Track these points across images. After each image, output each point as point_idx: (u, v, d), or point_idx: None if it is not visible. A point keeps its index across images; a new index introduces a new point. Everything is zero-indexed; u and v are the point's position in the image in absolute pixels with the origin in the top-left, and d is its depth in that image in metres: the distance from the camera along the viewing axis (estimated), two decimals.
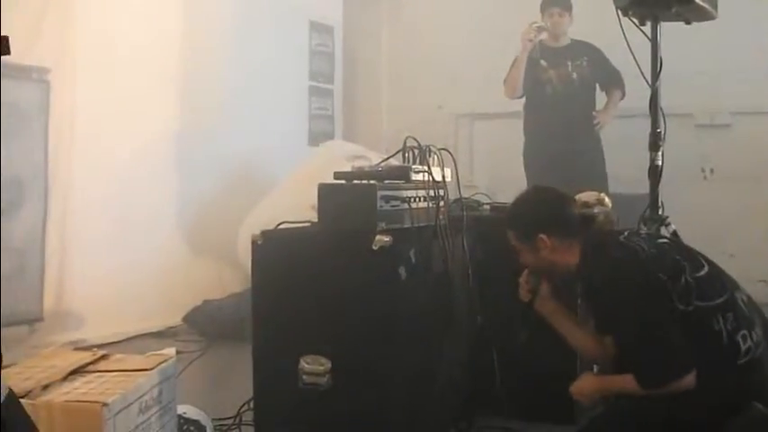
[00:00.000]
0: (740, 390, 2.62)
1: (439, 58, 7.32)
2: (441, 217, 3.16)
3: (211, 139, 5.88)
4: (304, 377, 3.00)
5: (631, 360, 2.69)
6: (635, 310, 2.66)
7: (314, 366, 2.98)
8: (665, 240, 2.97)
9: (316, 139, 6.97)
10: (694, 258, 2.78)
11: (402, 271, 2.90)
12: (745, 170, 6.45)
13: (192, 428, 3.04)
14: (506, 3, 7.04)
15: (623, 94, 6.10)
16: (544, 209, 2.96)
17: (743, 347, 2.62)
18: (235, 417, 3.33)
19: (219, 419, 3.33)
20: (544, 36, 6.09)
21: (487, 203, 3.86)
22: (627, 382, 2.68)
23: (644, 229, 3.42)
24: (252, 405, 3.21)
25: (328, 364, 2.96)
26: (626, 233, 2.87)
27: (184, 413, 3.02)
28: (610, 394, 2.81)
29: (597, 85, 6.17)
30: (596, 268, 2.79)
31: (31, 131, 4.78)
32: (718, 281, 2.74)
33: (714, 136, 6.50)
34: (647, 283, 2.67)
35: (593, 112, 6.11)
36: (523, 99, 6.24)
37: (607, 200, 3.71)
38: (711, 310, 2.65)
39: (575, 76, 6.07)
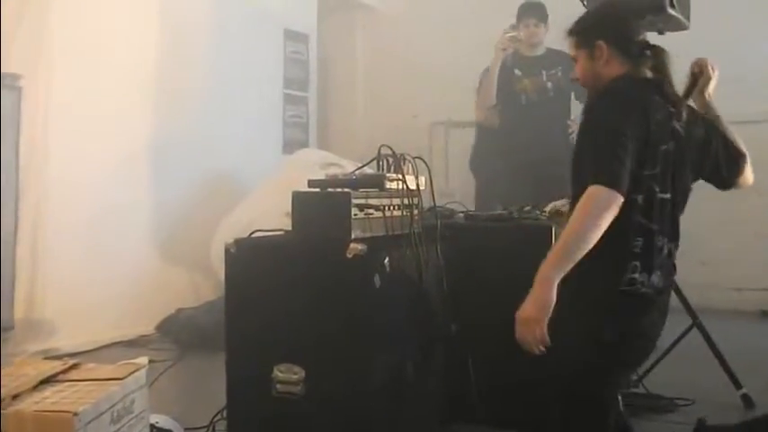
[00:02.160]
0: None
1: (414, 66, 7.34)
2: (415, 225, 3.16)
3: (185, 146, 5.85)
4: (277, 386, 2.99)
5: (589, 158, 2.67)
6: (614, 116, 2.66)
7: (287, 375, 2.97)
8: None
9: (290, 146, 6.96)
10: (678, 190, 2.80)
11: (376, 279, 2.89)
12: None
13: None
14: (482, 11, 7.07)
15: None
16: (612, 17, 2.97)
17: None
18: (208, 426, 3.32)
19: (192, 429, 3.31)
20: (518, 45, 6.11)
21: (462, 212, 3.86)
22: (555, 250, 2.61)
23: None
24: (225, 414, 3.20)
25: (302, 373, 2.95)
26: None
27: (157, 423, 3.01)
28: (548, 296, 2.60)
29: (573, 95, 6.20)
30: (621, 86, 2.80)
31: (4, 139, 4.74)
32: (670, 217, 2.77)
33: None
34: (641, 108, 2.69)
35: (568, 122, 6.12)
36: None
37: None
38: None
39: (549, 85, 6.08)
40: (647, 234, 2.68)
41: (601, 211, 2.55)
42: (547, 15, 6.08)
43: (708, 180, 3.02)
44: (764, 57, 6.55)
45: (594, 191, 2.56)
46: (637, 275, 2.66)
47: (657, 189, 2.71)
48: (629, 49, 2.87)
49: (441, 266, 3.27)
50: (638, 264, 2.66)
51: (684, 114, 2.84)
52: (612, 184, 2.55)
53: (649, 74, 2.88)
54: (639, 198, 2.66)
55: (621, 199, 2.56)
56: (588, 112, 2.76)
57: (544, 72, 6.07)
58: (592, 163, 2.64)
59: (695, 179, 2.95)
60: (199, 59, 6.06)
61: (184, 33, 5.94)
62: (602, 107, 2.74)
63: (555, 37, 6.11)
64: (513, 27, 5.97)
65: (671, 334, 3.85)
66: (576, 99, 6.19)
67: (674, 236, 2.80)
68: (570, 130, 6.08)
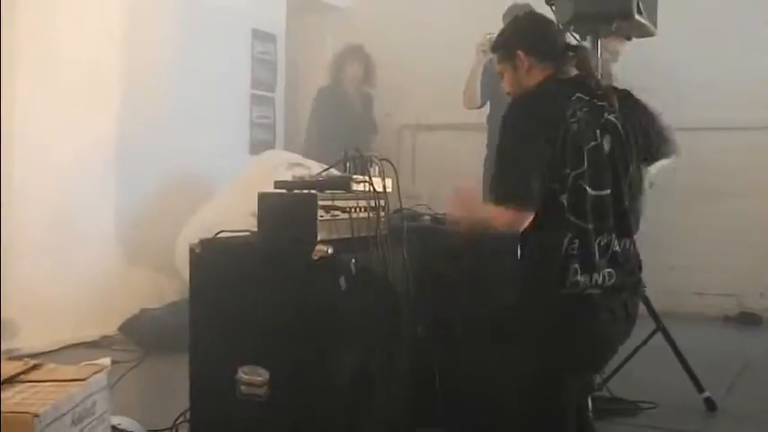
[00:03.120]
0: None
1: (382, 69, 7.33)
2: (381, 227, 3.15)
3: (151, 146, 5.81)
4: (242, 388, 2.97)
5: (494, 170, 2.72)
6: (521, 123, 2.71)
7: (252, 377, 2.95)
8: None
9: (257, 147, 6.93)
10: (617, 185, 2.78)
11: (342, 281, 2.89)
12: (683, 185, 6.56)
13: None
14: (452, 13, 7.09)
15: None
16: (527, 26, 3.00)
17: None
18: (171, 428, 3.29)
19: (155, 431, 3.29)
20: None
21: (428, 214, 3.86)
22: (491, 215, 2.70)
23: None
24: (188, 416, 3.17)
25: (266, 375, 2.94)
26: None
27: (119, 424, 2.99)
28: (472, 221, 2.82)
29: None
30: (528, 92, 2.84)
31: None
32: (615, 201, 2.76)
33: None
34: (554, 109, 2.70)
35: None
36: (476, 111, 6.27)
37: None
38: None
39: None
40: (582, 234, 2.68)
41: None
42: None
43: (657, 158, 3.06)
44: (732, 64, 6.60)
45: (498, 214, 2.64)
46: (579, 278, 2.66)
47: (588, 187, 2.70)
48: (550, 53, 2.90)
49: (407, 268, 3.27)
50: (577, 266, 2.66)
51: (617, 104, 2.84)
52: (516, 202, 2.63)
53: (574, 72, 2.90)
54: (565, 198, 2.66)
55: (529, 215, 2.61)
56: (502, 120, 2.78)
57: None
58: (498, 175, 2.69)
59: (649, 163, 2.96)
60: (165, 58, 6.02)
61: (150, 32, 5.90)
62: (511, 114, 2.76)
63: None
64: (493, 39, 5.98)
65: (635, 338, 3.87)
66: None
67: (624, 231, 2.78)
68: None
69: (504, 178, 2.66)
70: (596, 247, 2.69)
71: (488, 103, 6.24)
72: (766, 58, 6.51)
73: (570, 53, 2.92)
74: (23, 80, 4.99)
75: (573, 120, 2.69)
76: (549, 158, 2.63)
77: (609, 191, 2.74)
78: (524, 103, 2.78)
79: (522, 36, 2.94)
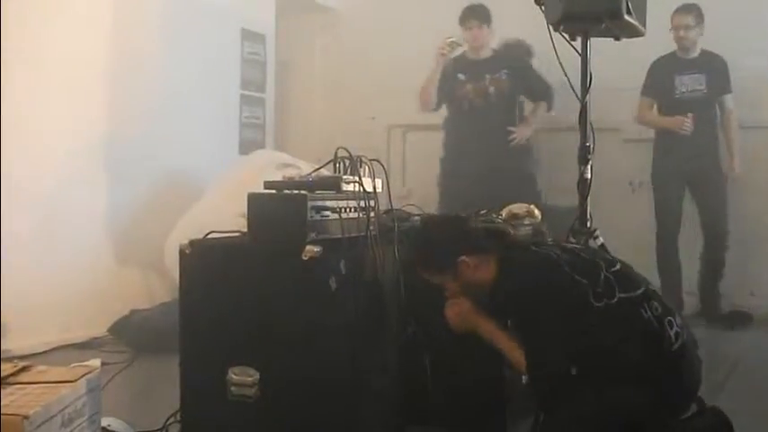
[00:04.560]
0: (676, 377, 2.79)
1: (372, 69, 7.33)
2: (371, 227, 3.15)
3: (141, 146, 5.80)
4: (232, 389, 2.97)
5: (525, 343, 2.81)
6: (545, 308, 2.77)
7: (242, 378, 2.95)
8: (575, 245, 3.14)
9: (247, 148, 6.92)
10: (606, 257, 2.92)
11: (332, 281, 2.89)
12: None
13: None
14: (440, 14, 7.08)
15: (549, 107, 6.05)
16: (452, 234, 3.07)
17: (671, 332, 2.73)
18: (161, 429, 3.28)
19: None
20: (464, 49, 6.07)
21: (417, 214, 3.85)
22: (515, 354, 2.84)
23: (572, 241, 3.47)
24: (179, 417, 3.17)
25: (257, 376, 2.94)
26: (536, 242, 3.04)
27: (109, 425, 2.98)
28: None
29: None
30: (512, 277, 2.88)
31: None
32: (633, 275, 2.89)
33: (642, 150, 6.57)
34: (559, 285, 2.79)
35: (509, 128, 6.03)
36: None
37: (537, 211, 3.76)
38: (636, 300, 2.79)
39: (492, 89, 6.03)
40: (648, 299, 2.86)
41: None
42: (490, 17, 6.05)
43: None
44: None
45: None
46: (674, 329, 2.85)
47: None
48: (483, 246, 3.00)
49: (398, 269, 3.27)
50: (670, 318, 2.87)
51: None
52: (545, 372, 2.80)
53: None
54: None
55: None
56: (522, 310, 2.88)
57: (488, 76, 6.03)
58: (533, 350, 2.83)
59: None
60: (154, 58, 6.01)
61: (138, 32, 5.88)
62: (535, 303, 2.84)
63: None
64: (453, 43, 5.92)
65: None
66: (532, 101, 6.14)
67: (645, 280, 2.96)
68: (511, 137, 6.02)
69: (549, 351, 2.78)
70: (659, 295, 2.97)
71: (444, 106, 6.23)
72: None
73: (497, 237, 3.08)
74: (10, 81, 4.96)
75: (575, 272, 2.81)
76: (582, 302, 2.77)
77: (619, 266, 2.92)
78: (539, 290, 2.86)
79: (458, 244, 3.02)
